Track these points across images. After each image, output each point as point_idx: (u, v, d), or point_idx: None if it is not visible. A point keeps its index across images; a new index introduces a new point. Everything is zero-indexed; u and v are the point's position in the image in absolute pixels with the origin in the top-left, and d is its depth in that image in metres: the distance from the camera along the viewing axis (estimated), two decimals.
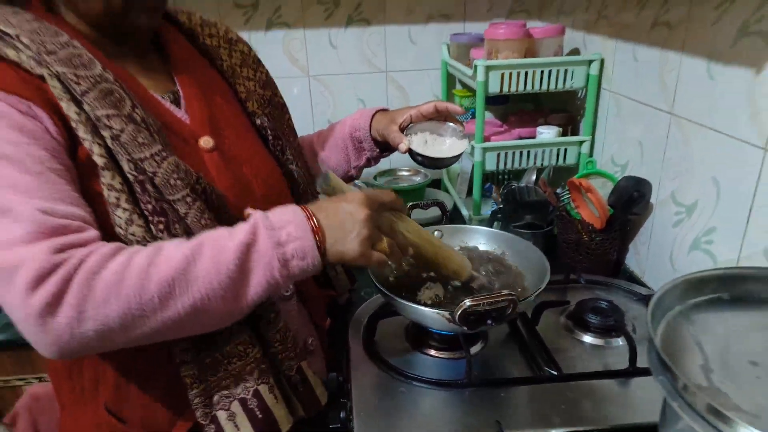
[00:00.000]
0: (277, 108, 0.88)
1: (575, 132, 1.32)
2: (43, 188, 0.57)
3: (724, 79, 0.82)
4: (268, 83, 0.89)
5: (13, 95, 0.59)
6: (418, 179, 1.54)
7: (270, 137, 0.82)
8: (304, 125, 1.55)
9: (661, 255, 1.03)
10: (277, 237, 0.61)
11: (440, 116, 0.91)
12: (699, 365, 0.53)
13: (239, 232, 0.61)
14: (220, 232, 0.62)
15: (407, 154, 0.89)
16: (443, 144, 0.91)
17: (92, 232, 0.59)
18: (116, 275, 0.55)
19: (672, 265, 1.00)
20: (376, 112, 0.96)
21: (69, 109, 0.61)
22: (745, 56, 0.77)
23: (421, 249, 0.75)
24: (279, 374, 0.73)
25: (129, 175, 0.63)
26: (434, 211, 1.14)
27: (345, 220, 0.64)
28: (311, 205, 0.65)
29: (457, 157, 0.89)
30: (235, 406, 0.69)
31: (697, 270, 0.60)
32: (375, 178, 1.53)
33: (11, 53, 0.60)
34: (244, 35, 1.46)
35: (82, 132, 0.61)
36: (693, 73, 0.88)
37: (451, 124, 0.91)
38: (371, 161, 0.99)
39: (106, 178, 0.62)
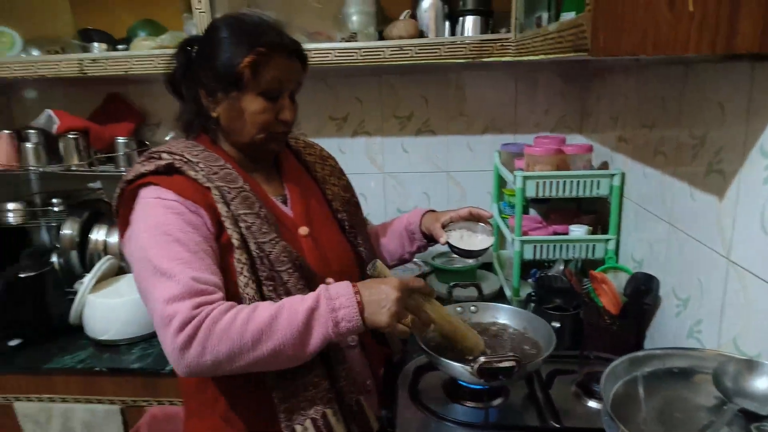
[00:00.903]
0: (353, 206, 1.21)
1: (605, 231, 1.55)
2: (196, 262, 0.88)
3: (701, 201, 1.04)
4: (348, 188, 1.22)
5: (189, 200, 0.93)
6: (470, 261, 1.80)
7: (347, 227, 1.14)
8: (378, 212, 1.90)
9: (668, 340, 1.21)
10: (332, 305, 0.86)
11: (473, 218, 1.18)
12: (641, 419, 0.74)
13: (308, 299, 0.87)
14: (296, 299, 0.88)
15: (446, 245, 1.16)
16: (475, 239, 1.17)
17: (219, 294, 0.88)
18: (227, 325, 0.83)
19: None
20: (426, 212, 1.25)
21: (222, 209, 0.94)
22: (711, 186, 1.00)
23: (442, 327, 1.00)
24: (342, 403, 0.98)
25: (254, 253, 0.94)
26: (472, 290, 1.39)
27: (381, 298, 0.87)
28: (360, 284, 0.90)
29: (484, 250, 1.15)
30: (308, 423, 0.94)
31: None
32: (433, 258, 1.81)
33: (192, 173, 0.96)
34: (335, 141, 1.86)
35: (227, 224, 0.94)
36: (682, 194, 1.12)
37: (482, 224, 1.18)
38: (421, 249, 1.27)
39: (237, 254, 0.93)
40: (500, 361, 0.91)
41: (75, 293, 1.61)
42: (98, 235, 1.76)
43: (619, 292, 1.27)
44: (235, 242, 0.93)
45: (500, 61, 1.47)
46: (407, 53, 1.48)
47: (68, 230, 1.75)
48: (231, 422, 1.01)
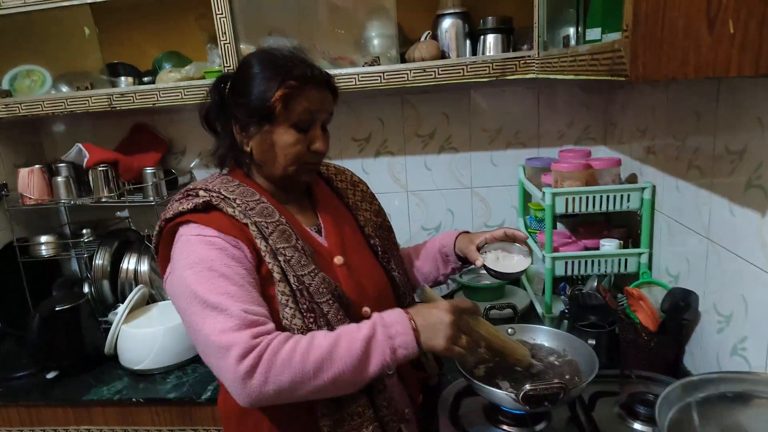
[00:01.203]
0: (386, 230, 1.21)
1: (636, 244, 1.53)
2: (243, 295, 0.89)
3: (741, 217, 1.03)
4: (380, 212, 1.23)
5: (229, 236, 0.94)
6: (496, 281, 1.79)
7: (380, 252, 1.14)
8: (402, 230, 1.90)
9: (710, 357, 1.19)
10: (389, 333, 0.88)
11: (509, 239, 1.18)
12: None
13: (364, 328, 0.88)
14: (352, 327, 0.89)
15: (482, 268, 1.16)
16: (512, 260, 1.17)
17: (272, 325, 0.90)
18: (288, 355, 0.84)
19: (719, 367, 1.15)
20: (460, 233, 1.25)
21: (260, 243, 0.95)
22: (752, 202, 0.99)
23: (491, 343, 1.01)
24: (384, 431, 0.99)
25: (293, 285, 0.95)
26: (508, 311, 1.38)
27: (436, 323, 0.89)
28: (412, 310, 0.92)
29: (521, 272, 1.14)
30: None
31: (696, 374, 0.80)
32: (461, 276, 1.80)
33: (229, 210, 0.97)
34: (357, 161, 1.87)
35: (267, 258, 0.95)
36: (720, 208, 1.10)
37: (518, 245, 1.17)
38: (455, 270, 1.27)
39: (280, 287, 0.94)
40: (546, 388, 0.90)
41: (108, 323, 1.64)
42: (129, 264, 1.79)
43: (656, 308, 1.26)
44: (277, 276, 0.94)
45: (523, 78, 1.47)
46: (430, 74, 1.49)
47: (100, 260, 1.77)
48: None
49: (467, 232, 1.24)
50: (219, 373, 0.86)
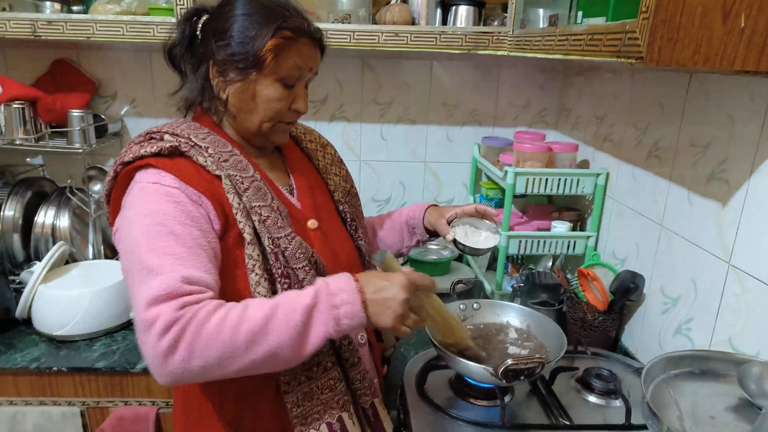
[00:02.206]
0: (353, 197, 1.16)
1: (583, 227, 1.60)
2: (190, 259, 0.78)
3: (699, 206, 1.09)
4: (348, 177, 1.17)
5: (192, 188, 0.84)
6: (445, 254, 1.80)
7: (348, 220, 1.09)
8: None
9: (651, 336, 1.27)
10: (333, 301, 0.78)
11: (478, 215, 1.16)
12: (676, 416, 0.77)
13: (305, 295, 0.78)
14: (292, 295, 0.79)
15: (452, 242, 1.14)
16: (479, 236, 1.16)
17: (208, 294, 0.77)
18: (216, 326, 0.74)
19: (660, 345, 1.24)
20: (429, 206, 1.22)
21: (233, 200, 0.87)
22: (713, 193, 1.05)
23: (435, 322, 0.98)
24: (357, 406, 0.95)
25: (268, 248, 0.87)
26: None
27: (388, 298, 0.80)
28: (362, 276, 0.82)
29: (491, 249, 1.14)
30: (323, 428, 0.90)
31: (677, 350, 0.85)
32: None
33: (200, 159, 0.87)
34: (311, 124, 1.78)
35: (239, 216, 0.86)
36: (677, 197, 1.17)
37: (487, 221, 1.16)
38: (420, 243, 1.25)
39: (249, 250, 0.86)
40: (527, 363, 0.91)
41: (21, 283, 1.45)
42: (45, 218, 1.58)
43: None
44: (248, 237, 0.86)
45: (494, 54, 1.46)
46: (402, 40, 1.44)
47: (10, 211, 1.55)
48: (236, 429, 0.94)
49: (435, 206, 1.22)
50: (141, 348, 0.75)
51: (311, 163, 1.11)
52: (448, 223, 1.16)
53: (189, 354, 0.73)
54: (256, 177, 0.91)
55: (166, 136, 0.88)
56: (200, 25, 0.92)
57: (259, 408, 0.94)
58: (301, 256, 0.89)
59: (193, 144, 0.88)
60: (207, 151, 0.88)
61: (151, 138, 0.89)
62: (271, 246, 0.87)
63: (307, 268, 0.89)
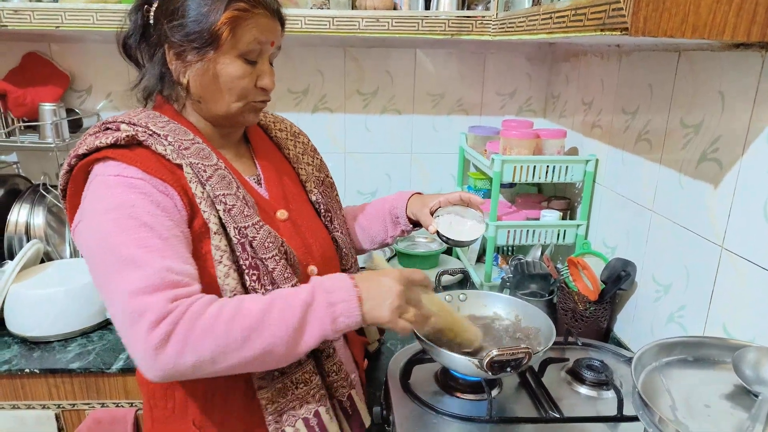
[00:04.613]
0: (328, 187, 1.11)
1: (573, 216, 1.56)
2: (167, 250, 0.76)
3: (691, 189, 1.06)
4: (322, 167, 1.12)
5: (156, 178, 0.80)
6: (433, 246, 1.76)
7: (322, 210, 1.04)
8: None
9: (644, 325, 1.24)
10: (329, 299, 0.77)
11: (463, 203, 1.11)
12: (668, 406, 0.73)
13: (302, 292, 0.78)
14: (288, 291, 0.79)
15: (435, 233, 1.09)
16: (464, 225, 1.09)
17: (196, 286, 0.77)
18: (210, 321, 0.72)
19: (652, 335, 1.20)
20: (413, 195, 1.17)
21: (196, 189, 0.82)
22: (705, 175, 1.01)
23: (441, 319, 0.93)
24: (334, 399, 0.91)
25: (234, 239, 0.83)
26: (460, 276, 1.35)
27: (383, 291, 0.79)
28: (357, 276, 0.81)
29: (476, 240, 1.09)
30: (299, 424, 0.86)
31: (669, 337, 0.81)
32: (396, 242, 1.75)
33: (160, 148, 0.83)
34: (293, 116, 1.74)
35: (203, 206, 0.82)
36: (668, 181, 1.13)
37: (472, 210, 1.11)
38: (405, 233, 1.20)
39: (215, 240, 0.82)
40: (513, 354, 0.87)
41: None
42: (18, 216, 1.53)
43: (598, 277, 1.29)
44: (213, 227, 0.82)
45: (478, 39, 1.42)
46: (383, 25, 1.39)
47: None
48: (203, 428, 0.90)
49: (419, 194, 1.18)
50: (128, 342, 0.73)
51: (281, 152, 1.07)
52: (432, 213, 1.11)
53: (181, 348, 0.71)
54: (219, 165, 0.86)
55: (123, 126, 0.84)
56: (152, 12, 0.87)
57: (228, 407, 0.90)
58: (270, 245, 0.85)
59: (151, 132, 0.83)
60: (166, 140, 0.83)
61: (107, 128, 0.85)
62: (238, 236, 0.83)
63: (277, 258, 0.85)
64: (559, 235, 1.48)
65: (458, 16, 1.41)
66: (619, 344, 1.30)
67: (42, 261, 1.51)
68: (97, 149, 0.81)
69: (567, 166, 1.42)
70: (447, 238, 1.09)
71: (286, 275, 0.85)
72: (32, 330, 1.31)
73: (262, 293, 0.83)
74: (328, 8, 1.42)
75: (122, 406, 1.30)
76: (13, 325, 1.33)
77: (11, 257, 1.50)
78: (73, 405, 1.29)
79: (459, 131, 1.79)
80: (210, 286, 0.81)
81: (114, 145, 0.81)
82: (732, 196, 0.95)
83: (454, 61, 1.75)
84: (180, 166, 0.83)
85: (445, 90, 1.77)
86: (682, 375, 0.79)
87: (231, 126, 0.95)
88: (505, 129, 1.48)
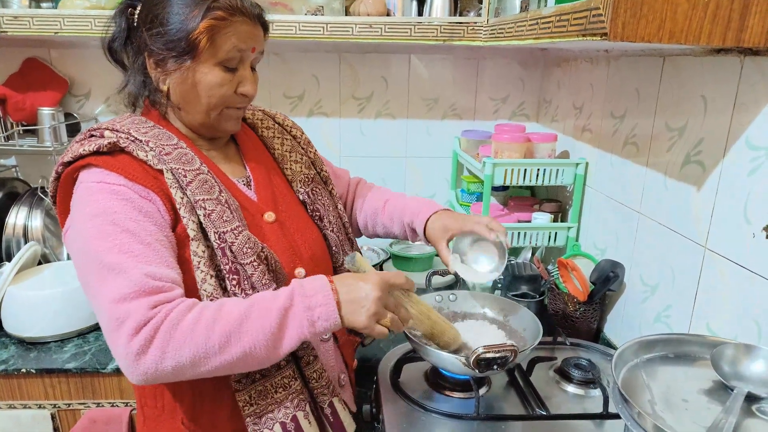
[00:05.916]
0: (320, 183, 1.08)
1: (564, 218, 1.58)
2: (150, 255, 0.77)
3: (675, 191, 1.08)
4: (314, 163, 1.10)
5: (138, 184, 0.81)
6: (427, 249, 1.78)
7: (309, 209, 1.04)
8: None
9: (632, 325, 1.25)
10: (308, 303, 0.77)
11: (486, 232, 1.03)
12: (647, 400, 0.75)
13: (280, 296, 0.78)
14: (267, 296, 0.79)
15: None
16: (483, 260, 1.07)
17: (178, 291, 0.78)
18: (189, 327, 0.73)
19: (641, 334, 1.21)
20: (434, 213, 1.10)
21: (176, 194, 0.83)
22: (688, 177, 1.04)
23: (420, 322, 0.94)
24: (314, 404, 0.91)
25: (215, 243, 0.83)
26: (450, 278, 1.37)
27: (360, 297, 0.79)
28: (336, 279, 0.81)
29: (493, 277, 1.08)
30: (277, 428, 0.86)
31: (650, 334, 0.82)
32: (390, 245, 1.77)
33: (141, 154, 0.84)
34: None
35: (183, 211, 0.83)
36: (654, 183, 1.15)
37: (494, 246, 1.05)
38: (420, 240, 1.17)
39: (193, 246, 0.82)
40: (499, 351, 0.89)
41: None
42: (17, 218, 1.55)
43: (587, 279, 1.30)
44: (192, 233, 0.83)
45: (470, 45, 1.44)
46: (376, 31, 1.42)
47: None
48: (192, 428, 0.91)
49: (445, 212, 1.11)
50: (111, 347, 0.75)
51: (269, 151, 1.07)
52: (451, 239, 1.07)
53: (161, 354, 0.72)
54: (202, 170, 0.87)
55: (106, 133, 0.85)
56: (136, 15, 0.88)
57: (216, 408, 0.91)
58: (249, 251, 0.85)
59: (133, 139, 0.85)
60: (148, 145, 0.85)
61: (92, 135, 0.86)
62: (218, 241, 0.84)
63: (255, 264, 0.85)
64: (550, 237, 1.50)
65: (450, 23, 1.44)
66: (609, 344, 1.32)
67: (39, 263, 1.53)
68: (81, 156, 0.83)
69: (558, 169, 1.45)
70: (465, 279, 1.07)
71: (264, 281, 0.86)
72: (29, 330, 1.33)
73: (243, 297, 0.83)
74: (323, 14, 1.44)
75: (117, 406, 1.32)
76: (10, 325, 1.35)
77: (9, 259, 1.52)
78: (69, 405, 1.31)
79: (453, 135, 1.81)
80: (193, 289, 0.83)
81: (97, 152, 0.82)
82: (714, 198, 0.97)
83: (449, 67, 1.77)
84: (161, 172, 0.84)
85: (439, 95, 1.80)
86: (663, 371, 0.81)
87: (211, 136, 0.96)
88: (497, 133, 1.51)
